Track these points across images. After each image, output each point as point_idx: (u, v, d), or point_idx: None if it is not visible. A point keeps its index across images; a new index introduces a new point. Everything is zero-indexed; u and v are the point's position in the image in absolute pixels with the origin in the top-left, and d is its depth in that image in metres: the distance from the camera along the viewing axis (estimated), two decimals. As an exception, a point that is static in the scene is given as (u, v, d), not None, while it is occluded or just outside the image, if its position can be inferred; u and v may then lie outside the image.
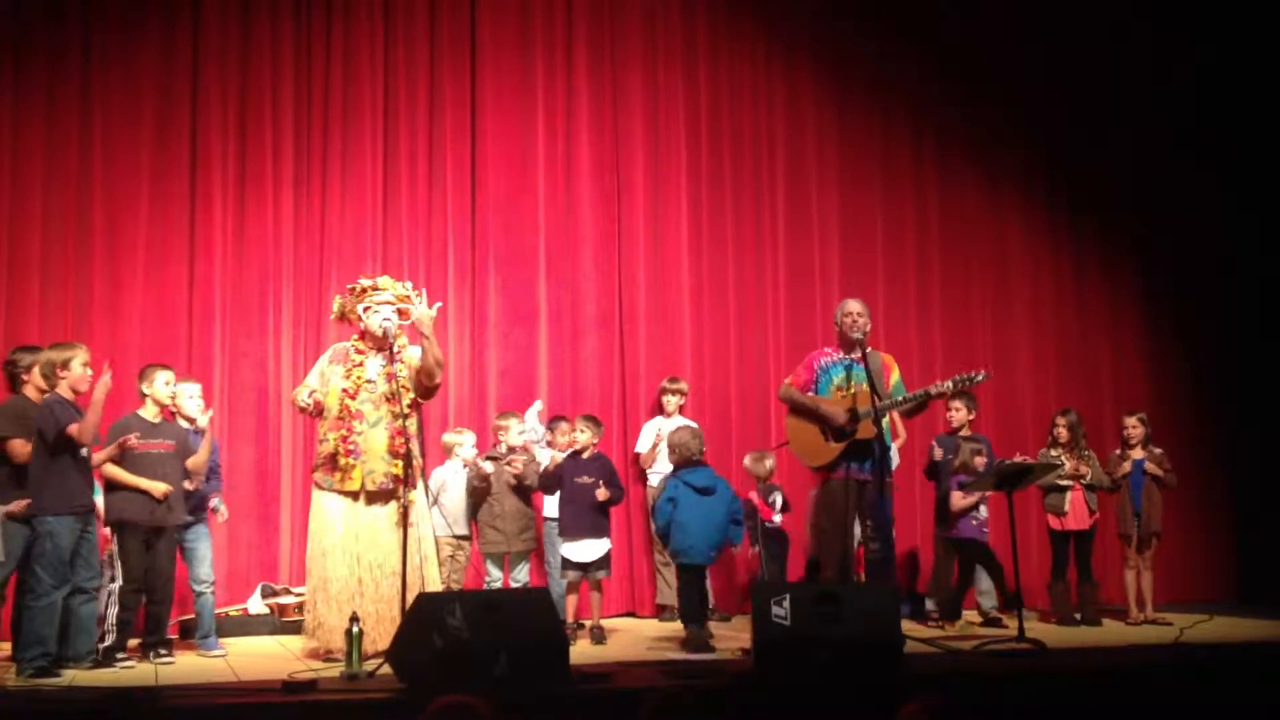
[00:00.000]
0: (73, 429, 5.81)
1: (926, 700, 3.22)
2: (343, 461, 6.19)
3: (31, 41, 7.85)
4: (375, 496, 6.22)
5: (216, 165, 8.11)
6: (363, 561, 6.16)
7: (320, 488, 6.30)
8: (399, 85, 8.53)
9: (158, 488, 6.24)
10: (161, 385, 6.47)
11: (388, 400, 6.23)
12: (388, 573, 6.11)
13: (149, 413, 6.43)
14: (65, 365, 5.92)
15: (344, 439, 6.20)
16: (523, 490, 7.36)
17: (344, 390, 6.27)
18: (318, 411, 6.38)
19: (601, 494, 7.01)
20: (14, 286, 7.66)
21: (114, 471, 6.24)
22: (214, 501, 6.86)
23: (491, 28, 8.73)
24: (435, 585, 6.32)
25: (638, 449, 8.33)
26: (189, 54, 8.11)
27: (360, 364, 6.32)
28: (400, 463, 6.17)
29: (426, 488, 6.69)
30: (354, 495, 6.22)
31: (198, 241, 8.04)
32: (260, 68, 8.25)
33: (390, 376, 6.25)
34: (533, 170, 8.75)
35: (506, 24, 8.77)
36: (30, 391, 6.01)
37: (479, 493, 7.29)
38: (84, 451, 5.93)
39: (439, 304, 6.61)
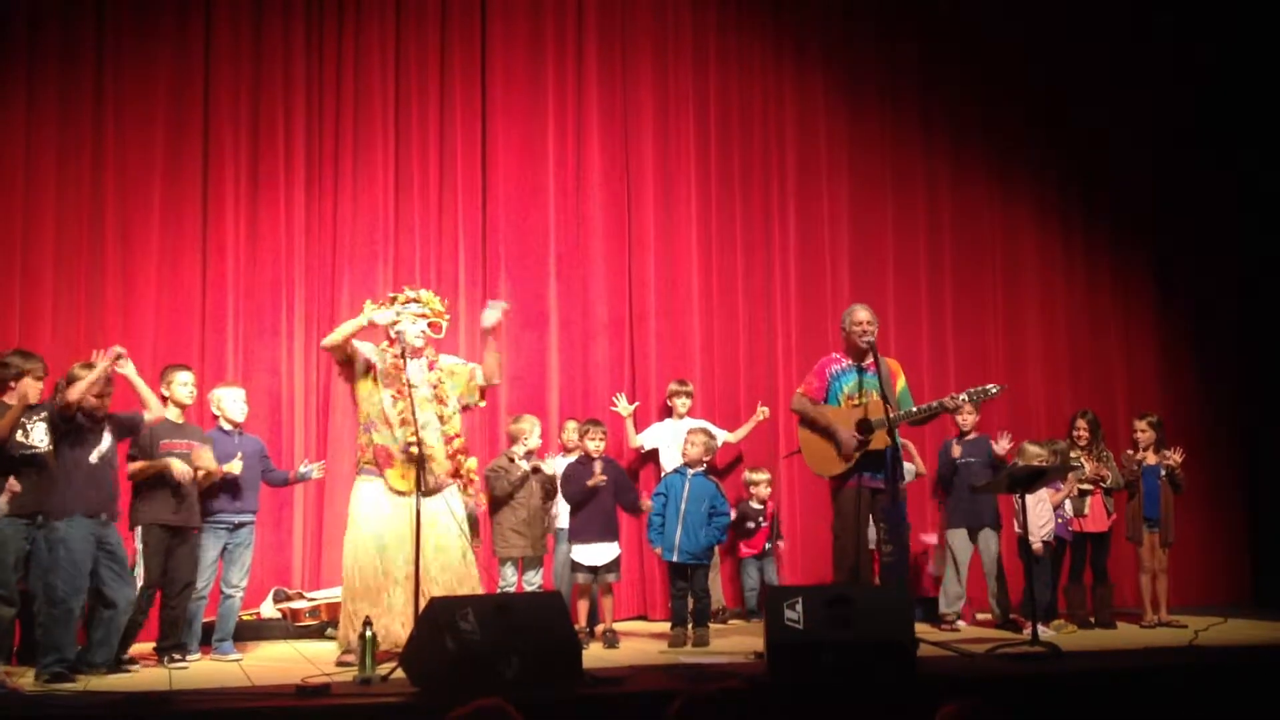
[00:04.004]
0: None
1: (964, 704, 3.18)
2: (393, 459, 6.24)
3: (45, 43, 7.89)
4: (428, 493, 6.22)
5: (229, 167, 8.14)
6: (409, 562, 6.16)
7: (372, 480, 6.30)
8: (410, 87, 8.55)
9: (177, 466, 6.27)
10: (179, 386, 6.52)
11: (432, 402, 6.33)
12: (438, 569, 6.16)
13: (171, 413, 6.47)
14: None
15: (404, 441, 6.25)
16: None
17: (395, 395, 6.32)
18: (345, 356, 6.40)
19: (595, 479, 7.03)
20: (27, 288, 7.68)
21: (138, 466, 6.27)
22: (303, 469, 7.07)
23: (502, 29, 8.75)
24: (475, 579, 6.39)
25: (634, 442, 8.35)
26: (201, 56, 8.15)
27: (404, 368, 6.34)
28: (470, 461, 6.46)
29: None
30: (404, 493, 6.23)
31: (210, 243, 8.08)
32: (272, 70, 8.28)
33: (432, 385, 6.40)
34: (543, 172, 8.76)
35: (517, 25, 8.78)
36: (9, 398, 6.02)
37: (507, 497, 7.28)
38: (93, 457, 5.91)
39: (505, 305, 6.68)
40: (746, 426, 8.47)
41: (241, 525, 6.73)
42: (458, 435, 6.45)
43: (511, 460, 7.27)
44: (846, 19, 9.52)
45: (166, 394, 6.51)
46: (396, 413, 6.30)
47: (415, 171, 8.52)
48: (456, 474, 6.42)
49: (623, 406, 8.31)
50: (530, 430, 7.36)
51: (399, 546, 6.17)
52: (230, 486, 6.66)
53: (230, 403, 6.82)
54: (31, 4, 7.88)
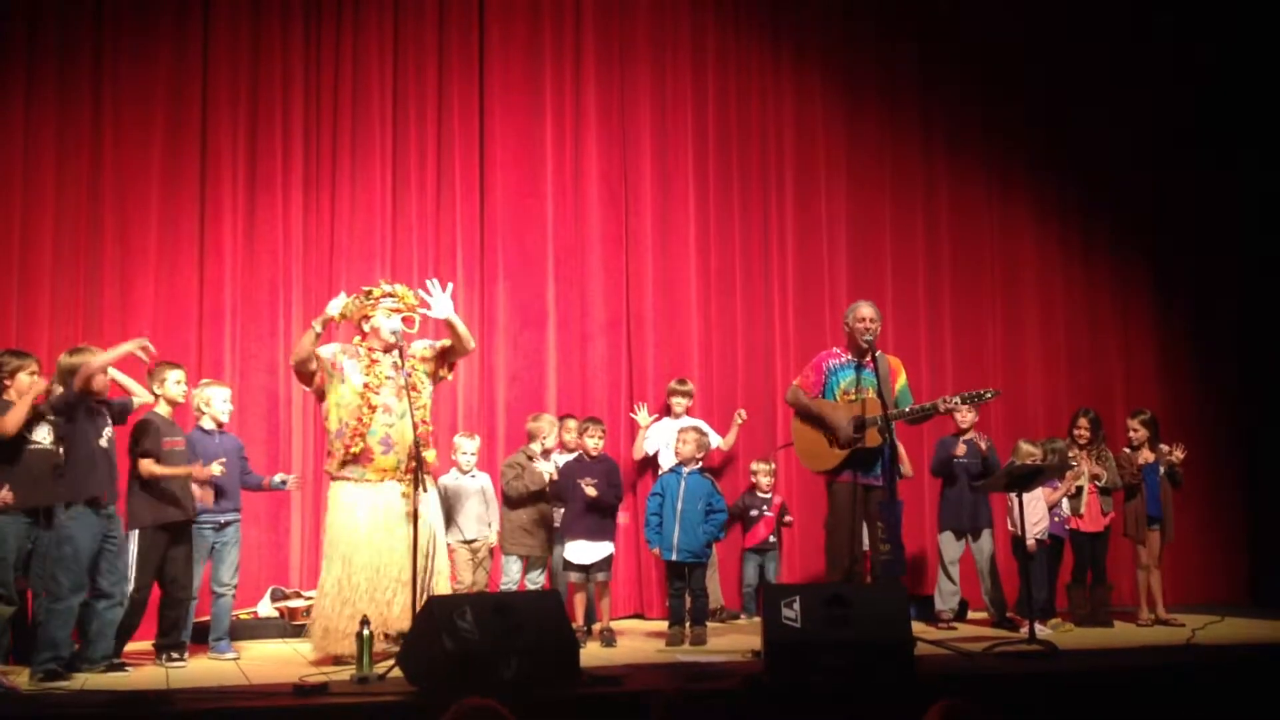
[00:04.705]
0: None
1: (953, 703, 3.19)
2: (370, 451, 6.21)
3: (44, 42, 7.89)
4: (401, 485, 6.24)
5: (226, 168, 8.14)
6: (387, 555, 6.15)
7: (348, 480, 6.27)
8: (408, 89, 8.55)
9: (197, 472, 6.33)
10: (173, 384, 6.49)
11: (406, 392, 6.28)
12: (406, 567, 6.12)
13: (163, 410, 6.47)
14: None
15: (358, 430, 6.22)
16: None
17: (366, 385, 6.30)
18: (311, 370, 6.36)
19: (590, 491, 7.02)
20: (25, 289, 7.69)
21: (152, 469, 6.24)
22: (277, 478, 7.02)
23: (500, 31, 8.74)
24: (444, 578, 6.35)
25: (639, 452, 8.33)
26: (199, 57, 8.15)
27: (378, 361, 6.35)
28: (433, 451, 6.40)
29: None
30: (378, 484, 6.23)
31: (208, 245, 8.08)
32: (270, 70, 8.28)
33: (406, 374, 6.34)
34: (541, 173, 8.76)
35: (515, 28, 8.78)
36: (11, 396, 6.03)
37: (528, 497, 7.26)
38: (103, 441, 5.92)
39: (450, 285, 6.57)
40: (732, 432, 8.45)
41: (227, 524, 6.71)
42: (425, 423, 6.37)
43: (530, 458, 7.27)
44: (845, 19, 9.51)
45: (159, 392, 6.49)
46: (362, 405, 6.25)
47: (413, 171, 8.52)
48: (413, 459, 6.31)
49: (642, 417, 8.29)
50: (549, 430, 7.38)
51: (378, 547, 6.15)
52: (213, 487, 6.64)
53: (219, 402, 6.77)
54: (30, 4, 7.89)
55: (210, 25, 8.19)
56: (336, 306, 6.39)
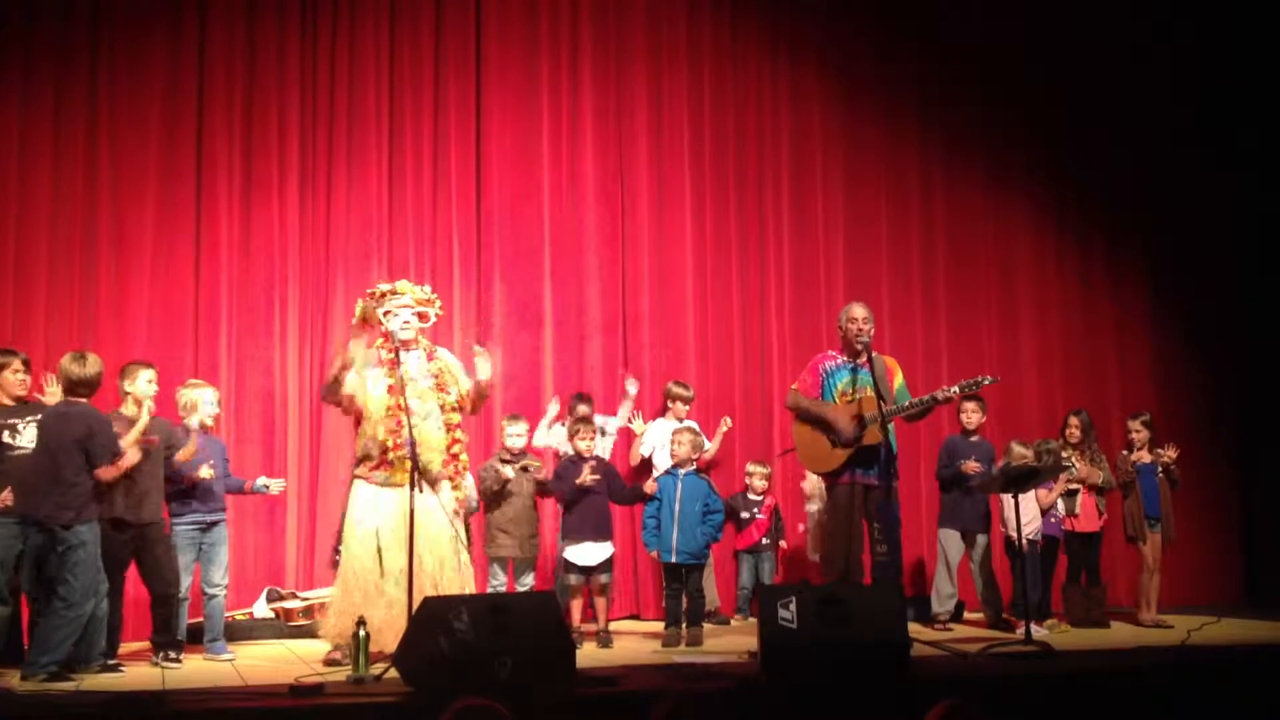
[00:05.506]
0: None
1: (954, 704, 3.19)
2: (394, 455, 6.14)
3: (39, 42, 7.88)
4: (425, 487, 6.15)
5: (222, 167, 8.13)
6: (411, 554, 6.11)
7: (370, 482, 6.22)
8: (404, 87, 8.54)
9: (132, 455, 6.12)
10: (144, 383, 6.38)
11: (434, 393, 6.24)
12: (433, 564, 6.08)
13: (129, 410, 6.33)
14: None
15: (394, 432, 6.14)
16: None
17: (389, 388, 6.20)
18: (342, 398, 6.30)
19: (583, 478, 7.00)
20: (21, 288, 7.68)
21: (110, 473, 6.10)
22: (259, 481, 6.98)
23: (497, 29, 8.74)
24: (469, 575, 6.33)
25: (635, 457, 8.31)
26: (195, 56, 8.14)
27: (400, 363, 6.23)
28: (466, 457, 6.37)
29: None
30: (402, 486, 6.13)
31: (204, 244, 8.06)
32: (266, 69, 8.27)
33: (435, 374, 6.29)
34: (537, 173, 8.75)
35: (511, 25, 8.78)
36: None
37: (494, 497, 7.26)
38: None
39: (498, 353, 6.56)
40: (716, 438, 8.38)
41: (214, 524, 6.69)
42: (458, 426, 6.32)
43: (504, 461, 7.26)
44: (843, 19, 9.51)
45: (130, 389, 6.37)
46: (386, 408, 6.19)
47: (409, 170, 8.51)
48: (455, 460, 6.29)
49: (638, 425, 8.28)
50: (520, 431, 7.36)
51: (396, 544, 6.13)
52: (200, 488, 6.61)
53: (206, 405, 6.72)
54: (27, 3, 7.87)
55: (206, 25, 8.17)
56: (356, 313, 6.34)
